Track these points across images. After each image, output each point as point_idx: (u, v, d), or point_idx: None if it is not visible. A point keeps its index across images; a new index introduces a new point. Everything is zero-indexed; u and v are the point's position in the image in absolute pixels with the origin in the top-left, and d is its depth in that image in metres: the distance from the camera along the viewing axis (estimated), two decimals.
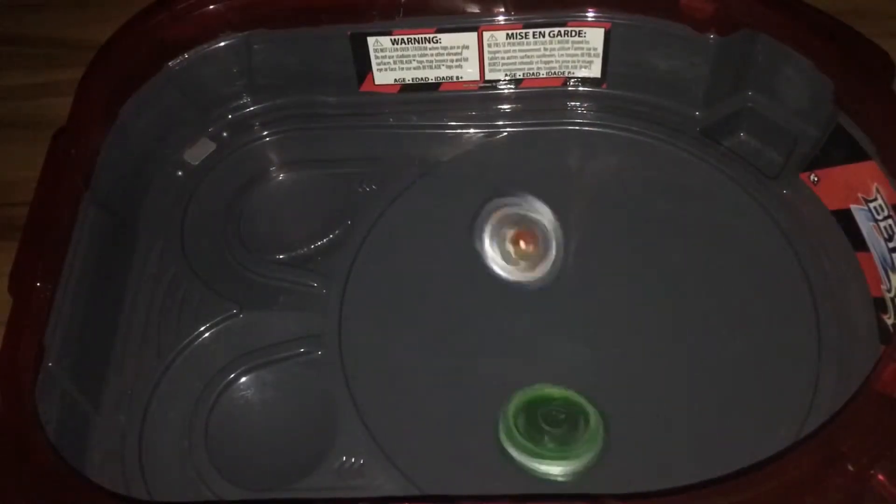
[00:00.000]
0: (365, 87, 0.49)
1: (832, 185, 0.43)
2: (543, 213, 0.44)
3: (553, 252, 0.43)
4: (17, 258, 0.38)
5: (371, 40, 0.47)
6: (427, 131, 0.49)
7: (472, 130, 0.49)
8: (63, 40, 0.59)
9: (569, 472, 0.38)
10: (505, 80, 0.49)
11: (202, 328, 0.43)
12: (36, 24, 0.60)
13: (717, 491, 0.30)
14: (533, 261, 0.43)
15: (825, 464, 0.31)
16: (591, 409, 0.39)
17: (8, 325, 0.37)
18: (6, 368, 0.36)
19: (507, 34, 0.47)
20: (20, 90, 0.57)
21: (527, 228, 0.43)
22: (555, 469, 0.38)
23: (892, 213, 0.39)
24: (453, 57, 0.48)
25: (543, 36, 0.47)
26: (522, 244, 0.43)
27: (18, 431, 0.34)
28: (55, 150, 0.42)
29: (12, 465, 0.34)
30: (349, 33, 0.47)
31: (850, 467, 0.30)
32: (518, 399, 0.39)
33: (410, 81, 0.49)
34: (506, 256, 0.43)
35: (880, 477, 0.30)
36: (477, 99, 0.50)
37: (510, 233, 0.43)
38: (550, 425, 0.39)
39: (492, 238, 0.43)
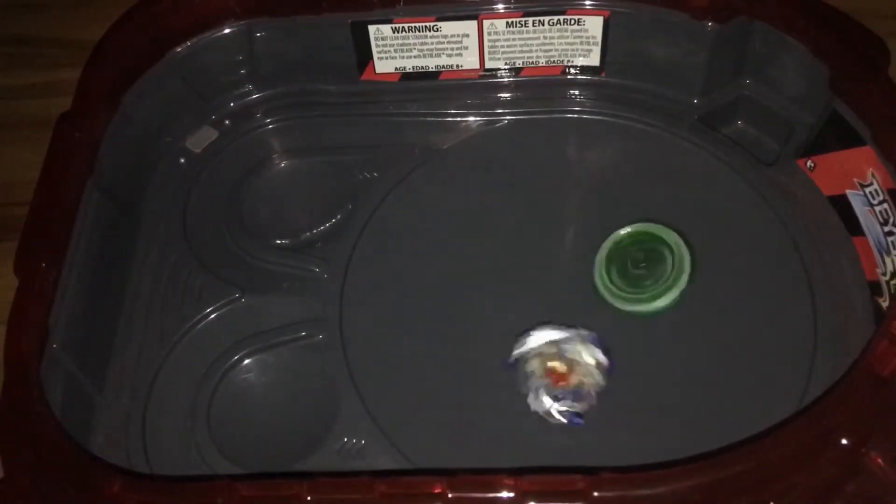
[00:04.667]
0: (366, 76, 0.50)
1: (828, 170, 0.43)
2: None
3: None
4: (22, 238, 0.39)
5: (372, 28, 0.48)
6: (427, 119, 0.50)
7: (471, 118, 0.50)
8: (63, 40, 0.59)
9: (676, 298, 0.41)
10: (504, 69, 0.49)
11: (205, 312, 0.43)
12: (36, 24, 0.60)
13: (711, 464, 0.31)
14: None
15: (818, 439, 0.31)
16: (667, 235, 0.42)
17: (13, 305, 0.37)
18: (12, 347, 0.36)
19: (507, 22, 0.47)
20: (20, 90, 0.57)
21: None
22: (664, 302, 0.41)
23: (887, 197, 0.39)
24: (453, 45, 0.49)
25: (543, 24, 0.48)
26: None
27: (25, 408, 0.35)
28: (60, 134, 0.42)
29: (19, 441, 0.34)
30: (350, 21, 0.47)
31: (843, 442, 0.31)
32: (600, 259, 0.42)
33: (411, 70, 0.50)
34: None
35: (873, 455, 0.31)
36: (477, 87, 0.50)
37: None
38: (638, 266, 0.42)
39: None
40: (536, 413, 0.39)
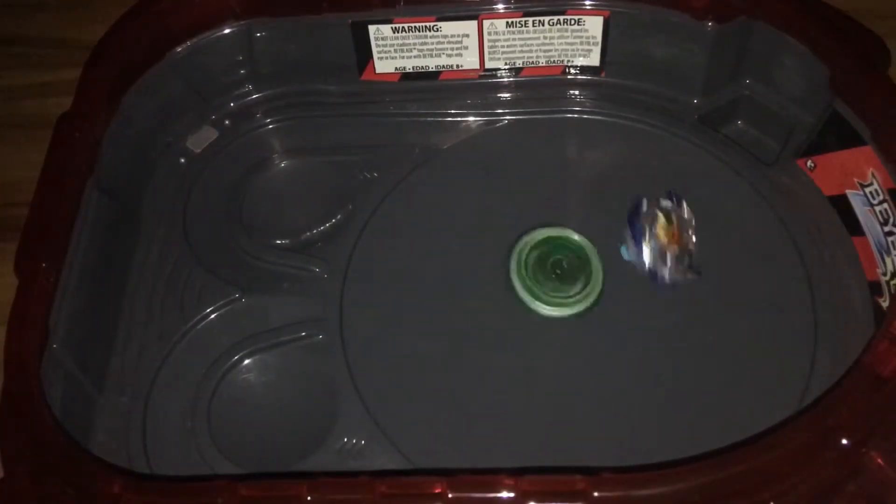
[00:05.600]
0: (366, 76, 0.50)
1: (828, 170, 0.43)
2: None
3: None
4: (22, 238, 0.39)
5: (372, 28, 0.48)
6: (427, 119, 0.50)
7: (471, 118, 0.50)
8: (63, 40, 0.59)
9: (556, 315, 0.42)
10: (504, 69, 0.49)
11: (205, 312, 0.43)
12: (36, 24, 0.60)
13: (711, 464, 0.31)
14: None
15: (818, 439, 0.31)
16: (597, 265, 0.42)
17: (13, 305, 0.37)
18: (12, 347, 0.36)
19: (507, 22, 0.47)
20: (20, 90, 0.57)
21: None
22: (543, 309, 0.42)
23: (887, 197, 0.39)
24: (453, 45, 0.49)
25: (543, 24, 0.48)
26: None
27: (25, 408, 0.35)
28: (60, 133, 0.42)
29: (19, 441, 0.34)
30: (350, 21, 0.47)
31: (843, 442, 0.31)
32: (539, 234, 0.43)
33: (411, 70, 0.50)
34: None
35: (873, 455, 0.31)
36: (477, 87, 0.50)
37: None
38: (555, 272, 0.42)
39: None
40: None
